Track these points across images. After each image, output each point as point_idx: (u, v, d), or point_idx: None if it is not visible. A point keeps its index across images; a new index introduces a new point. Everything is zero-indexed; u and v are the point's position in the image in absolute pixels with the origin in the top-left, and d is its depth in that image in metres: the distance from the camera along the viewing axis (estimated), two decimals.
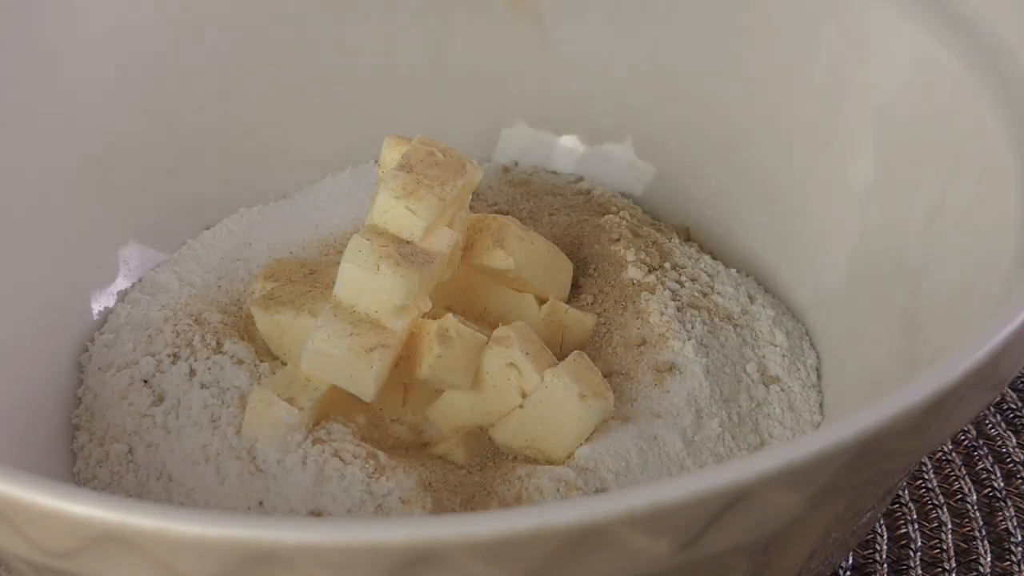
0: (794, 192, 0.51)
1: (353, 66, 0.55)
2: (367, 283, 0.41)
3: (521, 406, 0.42)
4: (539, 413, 0.41)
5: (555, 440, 0.41)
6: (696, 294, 0.48)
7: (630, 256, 0.48)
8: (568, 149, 0.56)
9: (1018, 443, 0.52)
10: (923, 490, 0.50)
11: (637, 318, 0.46)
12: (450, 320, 0.42)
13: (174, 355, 0.45)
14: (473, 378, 0.42)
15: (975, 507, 0.49)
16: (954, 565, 0.47)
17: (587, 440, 0.42)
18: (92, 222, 0.49)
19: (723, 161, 0.53)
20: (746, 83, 0.52)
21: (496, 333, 0.42)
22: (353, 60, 0.55)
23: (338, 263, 0.42)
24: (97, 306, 0.48)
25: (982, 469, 0.51)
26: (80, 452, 0.44)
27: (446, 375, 0.41)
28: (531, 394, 0.42)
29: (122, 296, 0.49)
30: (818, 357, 0.48)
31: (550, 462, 0.42)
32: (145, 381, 0.44)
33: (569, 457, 0.42)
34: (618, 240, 0.49)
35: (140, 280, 0.50)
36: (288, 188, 0.54)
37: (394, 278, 0.41)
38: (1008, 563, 0.47)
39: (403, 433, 0.44)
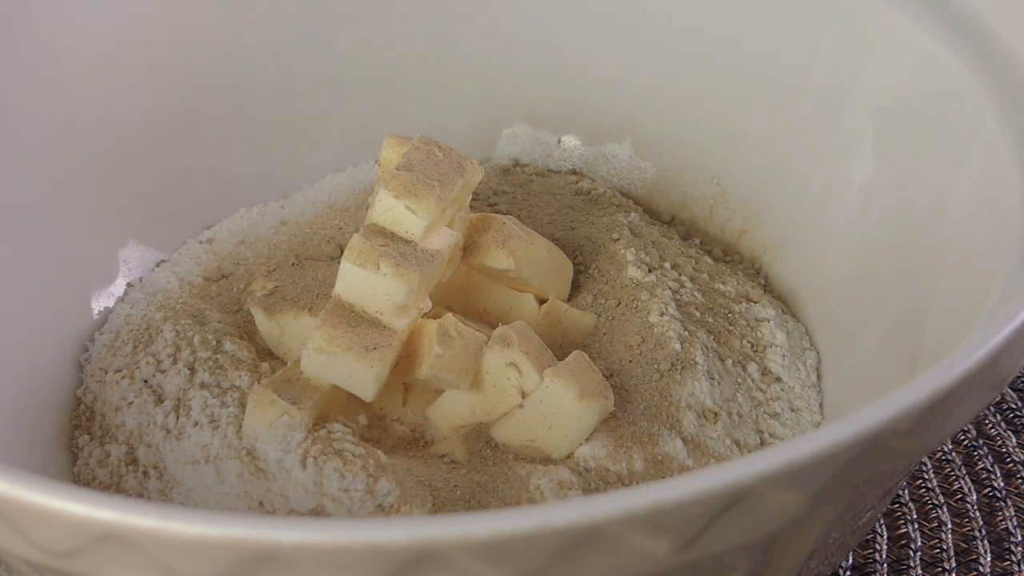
0: (794, 192, 0.51)
1: (353, 66, 0.55)
2: (367, 282, 0.41)
3: (521, 406, 0.42)
4: (539, 413, 0.41)
5: (555, 440, 0.41)
6: (696, 294, 0.48)
7: (630, 256, 0.48)
8: (568, 149, 0.56)
9: (1018, 443, 0.52)
10: (923, 490, 0.50)
11: (637, 318, 0.46)
12: (450, 320, 0.42)
13: (174, 355, 0.45)
14: (473, 378, 0.42)
15: (975, 507, 0.49)
16: (954, 565, 0.47)
17: (587, 440, 0.42)
18: (92, 222, 0.49)
19: (723, 161, 0.53)
20: (746, 83, 0.52)
21: (496, 333, 0.42)
22: (353, 60, 0.55)
23: (338, 262, 0.42)
24: (97, 306, 0.48)
25: (982, 469, 0.51)
26: (80, 452, 0.44)
27: (446, 375, 0.41)
28: (531, 394, 0.42)
29: (122, 296, 0.49)
30: (818, 357, 0.48)
31: (550, 461, 0.42)
32: (145, 381, 0.44)
33: (569, 457, 0.42)
34: (618, 240, 0.49)
35: (140, 280, 0.50)
36: (288, 188, 0.54)
37: (394, 278, 0.41)
38: (1008, 563, 0.47)
39: (403, 433, 0.44)
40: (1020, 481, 0.50)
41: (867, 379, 0.45)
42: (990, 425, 0.52)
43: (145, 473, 0.42)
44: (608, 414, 0.42)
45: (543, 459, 0.42)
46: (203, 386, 0.43)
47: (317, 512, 0.39)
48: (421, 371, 0.42)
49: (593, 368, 0.42)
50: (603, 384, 0.42)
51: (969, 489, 0.50)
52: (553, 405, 0.41)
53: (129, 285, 0.50)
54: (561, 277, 0.47)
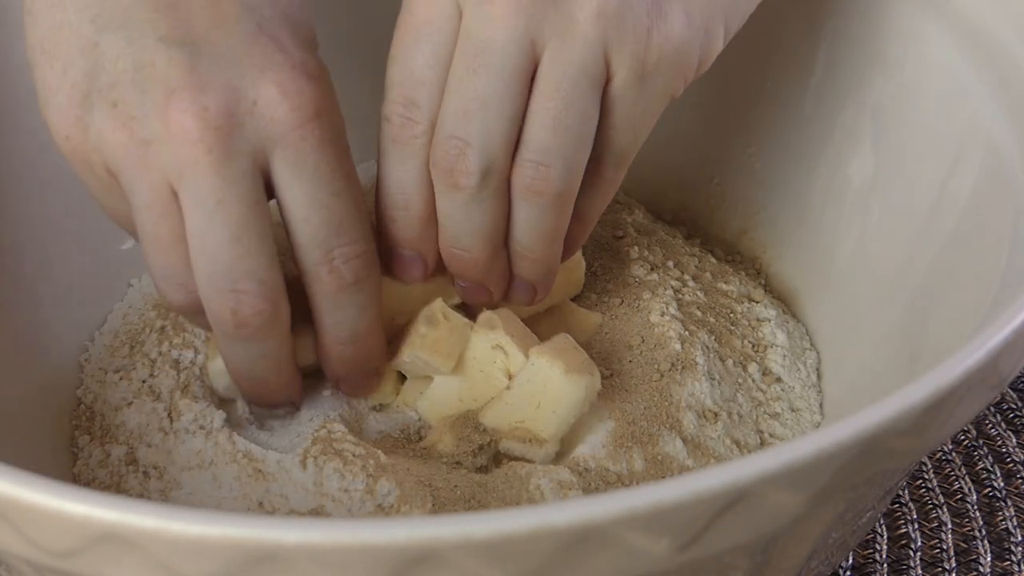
0: (794, 192, 0.51)
1: (353, 66, 0.55)
2: None
3: (508, 387, 0.42)
4: (526, 392, 0.41)
5: (544, 418, 0.41)
6: (698, 293, 0.48)
7: (633, 254, 0.48)
8: None
9: (1018, 443, 0.52)
10: (923, 490, 0.50)
11: (638, 318, 0.46)
12: (438, 303, 0.42)
13: (173, 356, 0.45)
14: (456, 362, 0.42)
15: (975, 507, 0.49)
16: (954, 565, 0.47)
17: (587, 440, 0.42)
18: (92, 222, 0.49)
19: (723, 161, 0.53)
20: (746, 82, 0.52)
21: (481, 317, 0.42)
22: (353, 60, 0.55)
23: None
24: (97, 306, 0.48)
25: (982, 469, 0.51)
26: (80, 452, 0.44)
27: (429, 356, 0.41)
28: (517, 374, 0.41)
29: (121, 296, 0.49)
30: (818, 357, 0.48)
31: (540, 441, 0.41)
32: (143, 381, 0.44)
33: (569, 457, 0.41)
34: (622, 238, 0.49)
35: (140, 280, 0.50)
36: None
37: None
38: (1008, 563, 0.47)
39: (391, 429, 0.43)
40: (1020, 481, 0.50)
41: (867, 379, 0.45)
42: (990, 425, 0.52)
43: (145, 473, 0.42)
44: (595, 392, 0.42)
45: (533, 439, 0.41)
46: (202, 387, 0.43)
47: (317, 512, 0.39)
48: (404, 352, 0.42)
49: (578, 348, 0.42)
50: (588, 362, 0.42)
51: (969, 489, 0.50)
52: (540, 383, 0.41)
53: (129, 285, 0.49)
54: (568, 275, 0.47)
